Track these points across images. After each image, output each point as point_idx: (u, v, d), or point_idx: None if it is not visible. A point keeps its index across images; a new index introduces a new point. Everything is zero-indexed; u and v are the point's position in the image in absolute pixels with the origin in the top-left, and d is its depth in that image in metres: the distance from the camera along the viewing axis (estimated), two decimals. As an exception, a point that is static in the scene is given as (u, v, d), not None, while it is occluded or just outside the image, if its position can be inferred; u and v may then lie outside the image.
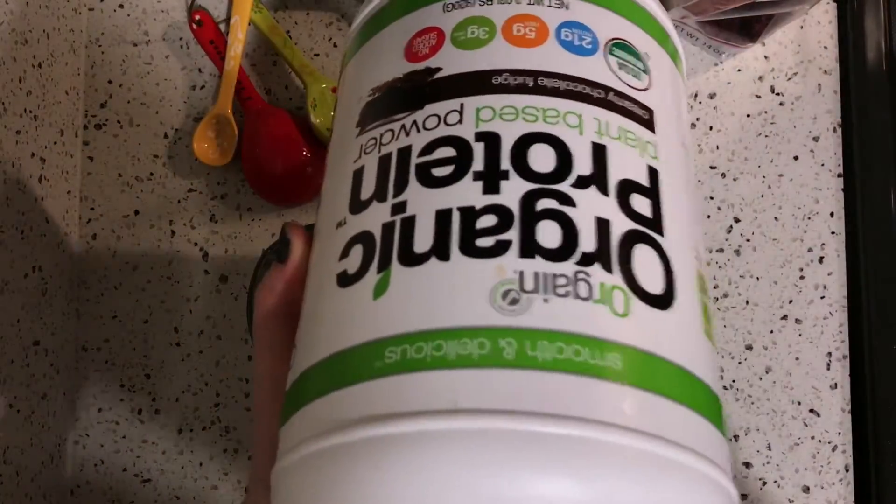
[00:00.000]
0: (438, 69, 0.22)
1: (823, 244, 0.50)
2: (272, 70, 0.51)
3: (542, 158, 0.20)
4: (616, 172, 0.21)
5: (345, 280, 0.20)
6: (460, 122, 0.21)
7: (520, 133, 0.21)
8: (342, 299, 0.20)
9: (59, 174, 0.48)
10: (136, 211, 0.51)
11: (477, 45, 0.23)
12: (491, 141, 0.20)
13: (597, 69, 0.23)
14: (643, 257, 0.20)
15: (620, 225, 0.20)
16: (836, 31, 0.51)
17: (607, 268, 0.19)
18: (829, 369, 0.50)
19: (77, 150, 0.51)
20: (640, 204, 0.21)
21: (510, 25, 0.23)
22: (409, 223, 0.20)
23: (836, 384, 0.50)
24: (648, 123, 0.23)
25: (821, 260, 0.50)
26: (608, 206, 0.20)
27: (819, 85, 0.51)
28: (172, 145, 0.51)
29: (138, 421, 0.50)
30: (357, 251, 0.21)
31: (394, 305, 0.19)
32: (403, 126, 0.22)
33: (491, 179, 0.20)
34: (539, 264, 0.18)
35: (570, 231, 0.19)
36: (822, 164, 0.50)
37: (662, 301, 0.19)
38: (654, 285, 0.20)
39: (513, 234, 0.19)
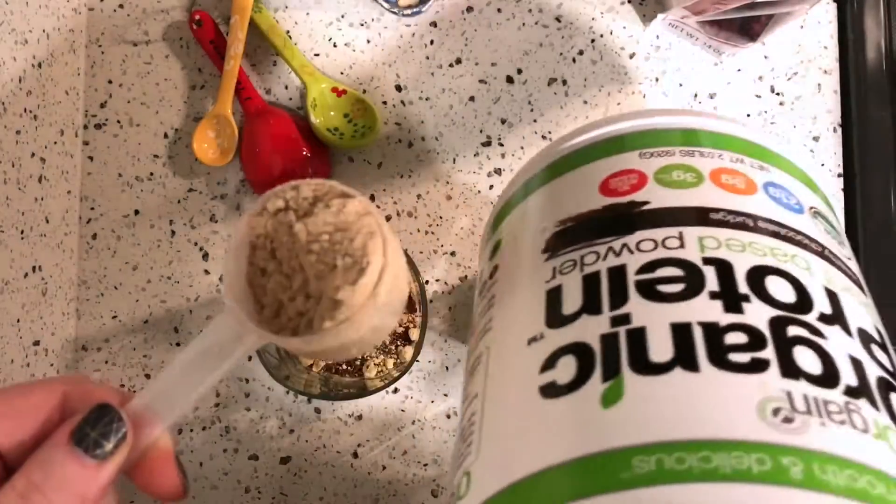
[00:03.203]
0: (645, 202, 0.25)
1: (823, 244, 0.50)
2: (272, 70, 0.51)
3: (780, 290, 0.21)
4: (853, 320, 0.22)
5: (553, 391, 0.21)
6: (682, 247, 0.23)
7: (752, 264, 0.22)
8: (553, 410, 0.20)
9: (59, 174, 0.48)
10: (136, 211, 0.51)
11: (685, 185, 0.25)
12: (722, 266, 0.22)
13: (809, 227, 0.25)
14: None
15: (872, 369, 0.20)
16: (836, 31, 0.51)
17: (874, 405, 0.19)
18: None
19: (77, 150, 0.51)
20: (882, 356, 0.21)
21: (718, 175, 0.26)
22: (637, 334, 0.21)
23: None
24: (861, 288, 0.25)
25: (821, 260, 0.50)
26: (856, 348, 0.21)
27: (819, 85, 0.51)
28: (172, 145, 0.51)
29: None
30: (567, 362, 0.21)
31: (635, 413, 0.19)
32: (611, 248, 0.24)
33: (731, 300, 0.21)
34: (806, 387, 0.19)
35: (828, 361, 0.20)
36: (822, 164, 0.50)
37: None
38: None
39: (769, 354, 0.19)
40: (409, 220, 0.50)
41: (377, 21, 0.51)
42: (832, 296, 0.22)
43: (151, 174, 0.51)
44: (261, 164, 0.48)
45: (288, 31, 0.50)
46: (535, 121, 0.50)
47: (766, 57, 0.50)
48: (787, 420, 0.18)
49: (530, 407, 0.21)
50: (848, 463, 0.17)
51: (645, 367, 0.20)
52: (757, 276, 0.22)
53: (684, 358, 0.20)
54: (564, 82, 0.50)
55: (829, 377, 0.19)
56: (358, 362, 0.47)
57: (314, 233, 0.25)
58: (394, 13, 0.49)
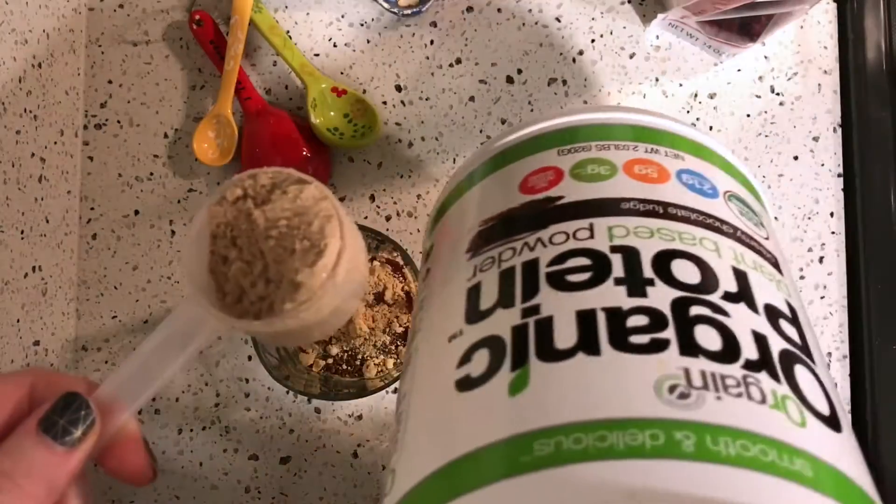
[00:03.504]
0: (560, 197, 0.26)
1: (823, 244, 0.50)
2: (272, 70, 0.51)
3: (686, 272, 0.22)
4: (760, 296, 0.22)
5: (467, 384, 0.21)
6: (591, 237, 0.23)
7: (658, 248, 0.23)
8: (466, 402, 0.21)
9: (59, 174, 0.48)
10: (137, 211, 0.51)
11: (599, 178, 0.26)
12: (629, 253, 0.22)
13: (722, 210, 0.25)
14: (804, 377, 0.20)
15: (777, 343, 0.21)
16: (836, 31, 0.51)
17: (775, 377, 0.20)
18: (828, 369, 0.50)
19: (77, 150, 0.51)
20: (789, 330, 0.22)
21: (631, 166, 0.26)
22: (545, 323, 0.21)
23: (835, 384, 0.49)
24: (776, 266, 0.25)
25: (821, 260, 0.50)
26: (761, 323, 0.21)
27: (819, 85, 0.51)
28: (172, 145, 0.51)
29: (138, 421, 0.50)
30: (481, 355, 0.22)
31: (538, 399, 0.19)
32: (526, 243, 0.24)
33: (635, 285, 0.21)
34: (704, 363, 0.19)
35: (729, 337, 0.20)
36: (822, 164, 0.50)
37: (832, 423, 0.20)
38: (822, 406, 0.20)
39: (669, 334, 0.20)
40: (409, 220, 0.50)
41: (377, 21, 0.51)
42: (740, 275, 0.23)
43: (151, 174, 0.51)
44: (261, 164, 0.48)
45: (288, 31, 0.50)
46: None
47: (766, 57, 0.50)
48: (683, 396, 0.18)
49: (446, 401, 0.21)
50: (741, 433, 0.18)
51: (550, 354, 0.20)
52: (662, 260, 0.22)
53: (587, 343, 0.20)
54: (564, 82, 0.50)
55: (728, 353, 0.20)
56: (358, 362, 0.47)
57: (272, 219, 0.26)
58: (394, 13, 0.49)
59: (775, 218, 0.50)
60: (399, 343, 0.47)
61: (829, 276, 0.50)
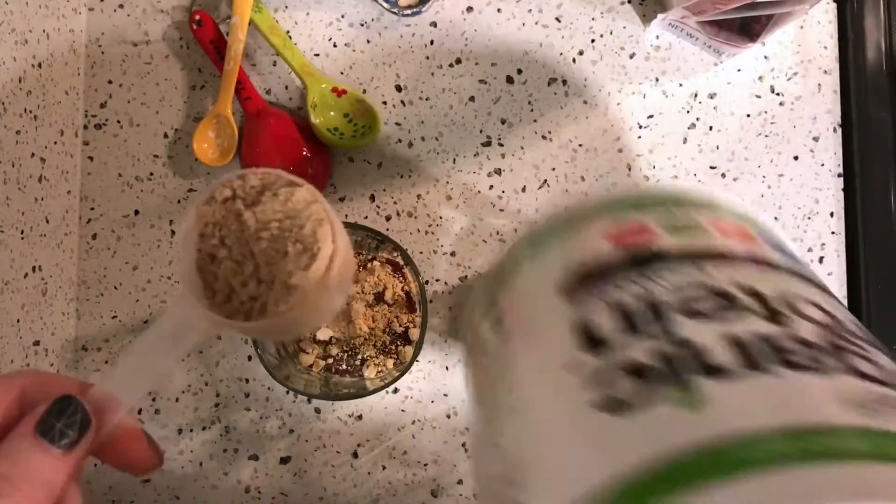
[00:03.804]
0: (659, 247, 0.27)
1: (823, 244, 0.50)
2: (272, 70, 0.51)
3: (813, 313, 0.23)
4: (868, 336, 0.24)
5: (615, 406, 0.21)
6: (706, 276, 0.24)
7: (780, 291, 0.24)
8: (616, 425, 0.21)
9: (59, 174, 0.48)
10: (137, 211, 0.51)
11: (693, 234, 0.27)
12: (752, 291, 0.24)
13: (806, 269, 0.27)
14: None
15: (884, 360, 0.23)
16: (836, 31, 0.51)
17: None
18: None
19: (77, 150, 0.51)
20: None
21: (718, 226, 0.28)
22: (688, 344, 0.22)
23: None
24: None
25: (821, 260, 0.50)
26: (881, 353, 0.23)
27: (819, 85, 0.50)
28: (172, 145, 0.51)
29: (138, 421, 0.50)
30: (621, 377, 0.22)
31: (729, 410, 0.20)
32: (634, 281, 0.25)
33: (773, 316, 0.23)
34: (873, 386, 0.20)
35: (874, 363, 0.22)
36: (822, 164, 0.50)
37: None
38: None
39: (830, 361, 0.21)
40: (409, 220, 0.50)
41: (377, 21, 0.51)
42: (851, 318, 0.24)
43: (151, 174, 0.51)
44: (261, 164, 0.48)
45: (288, 31, 0.50)
46: (535, 121, 0.50)
47: (766, 57, 0.50)
48: (872, 410, 0.19)
49: (588, 425, 0.22)
50: None
51: (713, 372, 0.21)
52: (790, 299, 0.23)
53: (752, 362, 0.21)
54: (564, 82, 0.50)
55: (881, 378, 0.21)
56: (358, 362, 0.47)
57: (263, 220, 0.26)
58: (394, 13, 0.49)
59: (775, 218, 0.50)
60: (399, 343, 0.47)
61: (829, 276, 0.50)
